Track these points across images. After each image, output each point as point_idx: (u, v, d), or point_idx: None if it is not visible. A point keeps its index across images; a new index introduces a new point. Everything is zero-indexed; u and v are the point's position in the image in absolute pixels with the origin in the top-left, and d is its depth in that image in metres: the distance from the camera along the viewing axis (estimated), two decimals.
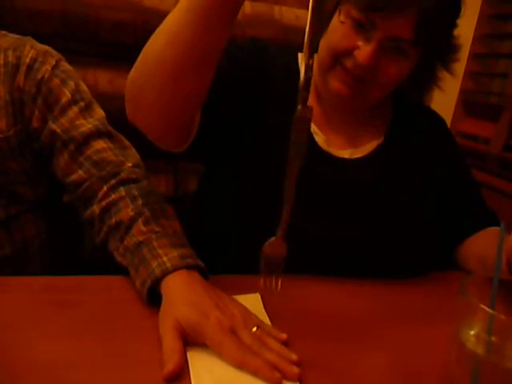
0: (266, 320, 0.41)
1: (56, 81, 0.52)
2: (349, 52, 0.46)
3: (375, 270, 0.51)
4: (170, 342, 0.36)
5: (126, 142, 0.55)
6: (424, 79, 0.52)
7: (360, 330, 0.43)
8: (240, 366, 0.35)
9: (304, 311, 0.45)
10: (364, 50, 0.44)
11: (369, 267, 0.51)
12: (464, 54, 1.21)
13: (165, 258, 0.43)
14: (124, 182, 0.50)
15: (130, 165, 0.52)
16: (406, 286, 0.51)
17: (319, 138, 0.53)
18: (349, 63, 0.46)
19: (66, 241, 0.61)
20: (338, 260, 0.51)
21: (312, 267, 0.50)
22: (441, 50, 0.49)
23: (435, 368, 0.35)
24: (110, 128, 0.54)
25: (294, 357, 0.36)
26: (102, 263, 0.48)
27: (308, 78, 0.31)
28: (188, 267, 0.42)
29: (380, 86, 0.48)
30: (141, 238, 0.45)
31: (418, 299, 0.49)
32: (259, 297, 0.45)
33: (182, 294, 0.40)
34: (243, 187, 0.51)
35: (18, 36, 0.54)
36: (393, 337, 0.42)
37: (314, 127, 0.53)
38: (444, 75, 0.52)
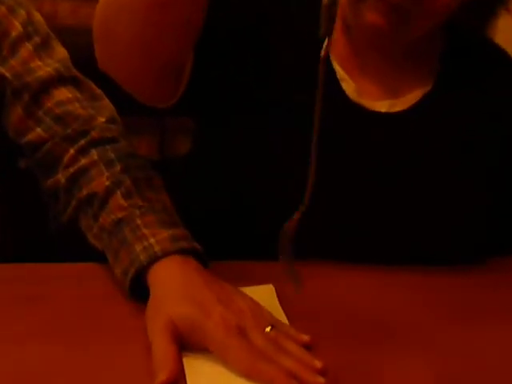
0: (283, 317, 0.41)
1: (2, 9, 0.50)
2: None
3: (417, 255, 0.50)
4: (162, 346, 0.36)
5: (97, 91, 0.54)
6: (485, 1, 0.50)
7: (401, 331, 0.42)
8: (250, 375, 0.35)
9: (329, 306, 0.44)
10: None
11: (409, 251, 0.50)
12: None
13: (152, 240, 0.42)
14: (96, 143, 0.49)
15: (102, 120, 0.51)
16: (456, 276, 0.50)
17: (348, 86, 0.51)
18: None
19: (26, 218, 0.61)
20: (370, 241, 0.50)
21: (338, 251, 0.49)
22: None
23: (502, 380, 0.35)
24: (75, 72, 0.53)
25: (318, 364, 0.36)
26: (72, 246, 0.48)
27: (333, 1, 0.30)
28: (182, 252, 0.42)
29: (425, 16, 0.46)
30: (120, 215, 0.44)
31: (474, 291, 0.48)
32: (273, 288, 0.44)
33: (175, 285, 0.40)
34: (254, 148, 0.50)
35: None
36: (443, 339, 0.41)
37: (341, 72, 0.51)
38: None
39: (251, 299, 0.41)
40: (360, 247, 0.51)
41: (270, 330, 0.38)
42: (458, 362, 0.39)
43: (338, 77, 0.50)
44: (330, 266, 0.49)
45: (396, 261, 0.50)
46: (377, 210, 0.50)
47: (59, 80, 0.51)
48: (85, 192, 0.47)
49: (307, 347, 0.38)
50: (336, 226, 0.50)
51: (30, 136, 0.50)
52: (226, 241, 0.50)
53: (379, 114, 0.51)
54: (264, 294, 0.43)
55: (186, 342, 0.37)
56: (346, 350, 0.39)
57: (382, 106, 0.51)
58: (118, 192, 0.45)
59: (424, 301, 0.46)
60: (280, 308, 0.42)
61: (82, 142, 0.49)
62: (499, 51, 0.57)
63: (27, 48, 0.50)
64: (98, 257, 0.46)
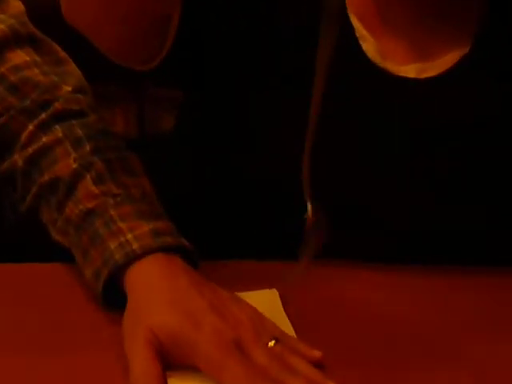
0: (289, 329, 0.40)
1: None
2: None
3: (450, 253, 0.49)
4: (142, 364, 0.35)
5: (61, 53, 0.51)
6: None
7: (428, 343, 0.41)
8: None
9: (343, 315, 0.43)
10: None
11: (442, 247, 0.49)
12: None
13: (129, 236, 0.41)
14: (60, 117, 0.47)
15: (68, 89, 0.49)
16: (499, 279, 0.48)
17: (369, 45, 0.48)
18: None
19: None
20: (393, 234, 0.48)
21: (353, 247, 0.48)
22: None
23: None
24: (33, 29, 0.50)
25: None
26: (34, 242, 0.48)
27: None
28: (166, 249, 0.41)
29: None
30: (90, 205, 0.43)
31: (505, 293, 0.47)
32: (277, 294, 0.43)
33: (158, 290, 0.39)
34: (253, 124, 0.48)
35: None
36: (472, 352, 0.40)
37: (360, 29, 0.48)
38: None
39: (251, 307, 0.39)
40: (377, 241, 0.49)
41: (274, 344, 0.36)
42: (490, 378, 0.38)
43: (357, 35, 0.48)
44: (343, 265, 0.47)
45: (428, 258, 0.48)
46: (402, 193, 0.49)
47: (14, 40, 0.48)
48: (47, 177, 0.45)
49: (319, 365, 0.37)
50: (348, 214, 0.48)
51: None
52: (219, 236, 0.49)
53: (407, 79, 0.49)
54: (266, 301, 0.42)
55: (171, 360, 0.36)
56: (363, 367, 0.38)
57: (410, 70, 0.49)
58: (88, 177, 0.44)
59: (460, 310, 0.44)
60: (286, 317, 0.41)
61: (43, 115, 0.47)
62: None
63: None
64: (64, 256, 0.44)
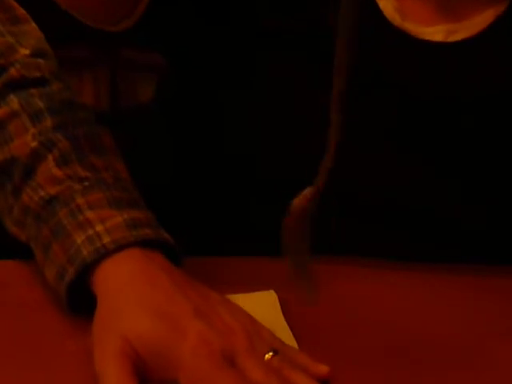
0: (289, 337, 0.39)
1: None
2: None
3: (473, 251, 0.48)
4: (115, 379, 0.34)
5: (19, 10, 0.50)
6: None
7: (451, 351, 0.40)
8: None
9: (351, 319, 0.42)
10: None
11: (463, 244, 0.48)
12: None
13: (100, 228, 0.39)
14: (17, 85, 0.46)
15: (26, 52, 0.47)
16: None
17: (387, 4, 0.47)
18: None
19: None
20: (411, 228, 0.48)
21: (364, 242, 0.47)
22: None
23: None
24: None
25: None
26: None
27: None
28: (144, 243, 0.40)
29: None
30: (53, 191, 0.41)
31: None
32: (275, 296, 0.41)
33: (135, 292, 0.38)
34: (251, 97, 0.47)
35: None
36: (507, 359, 0.39)
37: None
38: None
39: (245, 312, 0.38)
40: (392, 236, 0.48)
41: (272, 356, 0.35)
42: None
43: None
44: (350, 263, 0.46)
45: (445, 255, 0.48)
46: (422, 180, 0.48)
47: None
48: (0, 157, 0.44)
49: (324, 381, 0.36)
50: (368, 202, 0.47)
51: None
52: (206, 229, 0.48)
53: (432, 43, 0.48)
54: (263, 305, 0.41)
55: (148, 374, 0.35)
56: (375, 378, 0.37)
57: (436, 32, 0.48)
58: (50, 157, 0.42)
59: (489, 313, 0.44)
60: (285, 324, 0.40)
61: None
62: None
63: None
64: (22, 251, 0.44)
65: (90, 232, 0.39)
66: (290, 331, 0.39)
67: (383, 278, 0.46)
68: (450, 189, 0.49)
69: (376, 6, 0.47)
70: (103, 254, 0.38)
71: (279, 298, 0.42)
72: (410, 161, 0.49)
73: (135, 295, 0.37)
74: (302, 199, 0.36)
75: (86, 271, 0.38)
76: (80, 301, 0.39)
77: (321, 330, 0.41)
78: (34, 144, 0.43)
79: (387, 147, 0.49)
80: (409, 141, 0.49)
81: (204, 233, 0.48)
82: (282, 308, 0.41)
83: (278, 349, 0.36)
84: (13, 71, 0.46)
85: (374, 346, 0.40)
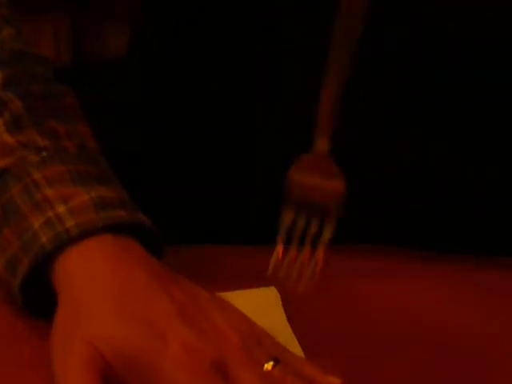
0: (292, 342, 0.37)
1: None
2: None
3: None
4: None
5: None
6: None
7: (478, 354, 0.39)
8: None
9: (363, 319, 0.41)
10: None
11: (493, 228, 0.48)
12: None
13: (61, 209, 0.37)
14: None
15: None
16: None
17: None
18: None
19: None
20: (429, 210, 0.47)
21: (375, 228, 0.47)
22: None
23: None
24: None
25: None
26: None
27: None
28: (116, 228, 0.37)
29: None
30: (4, 163, 0.39)
31: None
32: (277, 293, 0.40)
33: (104, 288, 0.36)
34: (245, 56, 0.46)
35: None
36: None
37: None
38: None
39: (240, 314, 0.36)
40: (407, 219, 0.47)
41: (273, 366, 0.34)
42: None
43: None
44: (360, 251, 0.45)
45: (473, 244, 0.48)
46: (437, 150, 0.48)
47: None
48: None
49: None
50: (368, 183, 0.46)
51: None
52: (193, 210, 0.46)
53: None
54: (261, 303, 0.39)
55: None
56: None
57: None
58: (1, 121, 0.40)
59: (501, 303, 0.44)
60: (288, 327, 0.38)
61: None
62: None
63: None
64: None
65: (50, 214, 0.37)
66: (293, 335, 0.38)
67: (398, 273, 0.46)
68: (453, 154, 0.49)
69: None
70: (65, 241, 0.36)
71: (282, 296, 0.40)
72: (413, 135, 0.49)
73: (105, 292, 0.35)
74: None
75: (45, 262, 0.36)
76: (37, 298, 0.37)
77: (329, 333, 0.39)
78: None
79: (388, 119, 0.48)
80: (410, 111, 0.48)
81: (189, 216, 0.46)
82: (284, 307, 0.40)
83: (280, 357, 0.34)
84: None
85: (390, 348, 0.39)
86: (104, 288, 0.35)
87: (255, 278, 0.41)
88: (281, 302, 0.40)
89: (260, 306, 0.39)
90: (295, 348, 0.37)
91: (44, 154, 0.40)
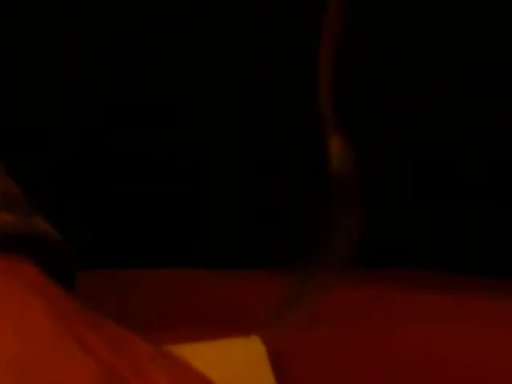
0: None
1: None
2: None
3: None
4: None
5: None
6: None
7: None
8: None
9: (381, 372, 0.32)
10: None
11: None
12: None
13: None
14: None
15: None
16: None
17: None
18: None
19: None
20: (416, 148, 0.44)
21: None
22: None
23: None
24: None
25: None
26: None
27: None
28: (2, 242, 0.31)
29: None
30: None
31: None
32: (260, 345, 0.33)
33: None
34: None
35: None
36: None
37: None
38: None
39: (199, 376, 0.28)
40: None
41: None
42: None
43: None
44: (374, 283, 0.36)
45: None
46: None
47: None
48: None
49: None
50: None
51: None
52: (145, 220, 0.40)
53: None
54: (239, 360, 0.33)
55: None
56: None
57: None
58: None
59: None
60: None
61: None
62: None
63: None
64: None
65: None
66: None
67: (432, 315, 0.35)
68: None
69: None
70: None
71: (268, 348, 0.32)
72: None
73: None
74: None
75: None
76: None
77: None
78: None
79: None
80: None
81: (138, 229, 0.37)
82: (272, 364, 0.31)
83: None
84: None
85: None
86: None
87: (220, 318, 0.33)
88: (267, 358, 0.32)
89: (236, 362, 0.31)
90: None
91: None
